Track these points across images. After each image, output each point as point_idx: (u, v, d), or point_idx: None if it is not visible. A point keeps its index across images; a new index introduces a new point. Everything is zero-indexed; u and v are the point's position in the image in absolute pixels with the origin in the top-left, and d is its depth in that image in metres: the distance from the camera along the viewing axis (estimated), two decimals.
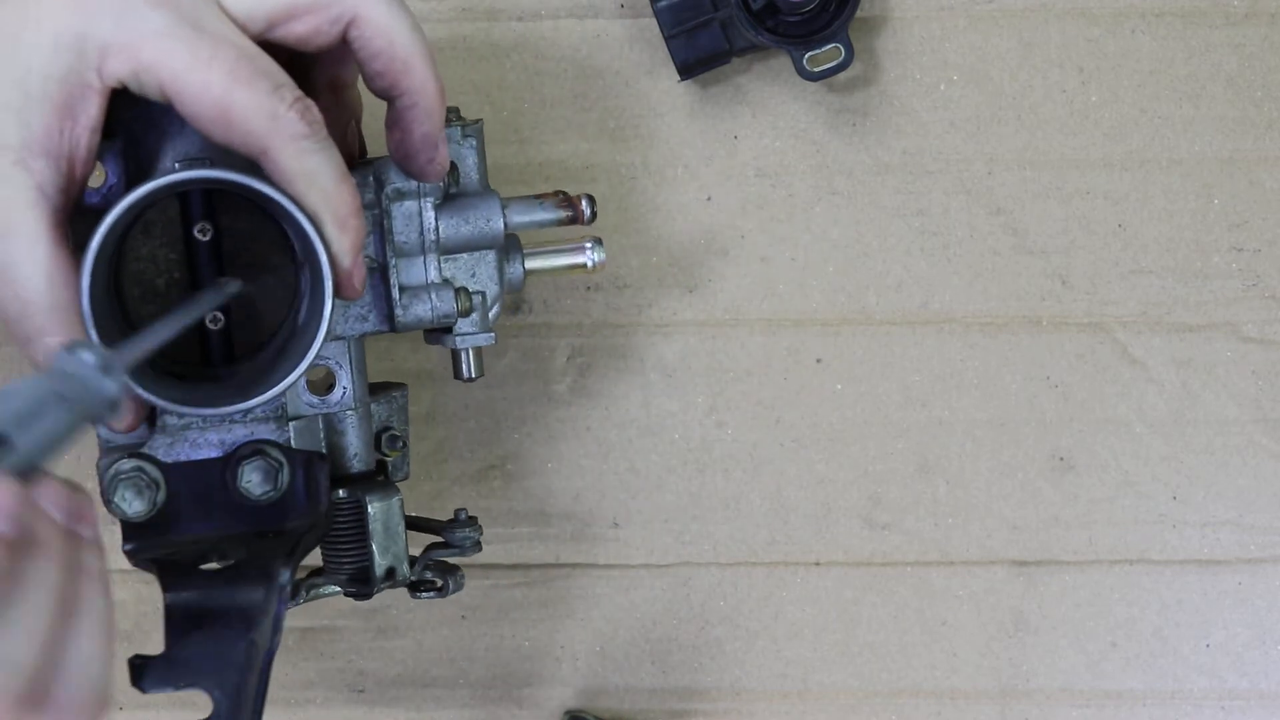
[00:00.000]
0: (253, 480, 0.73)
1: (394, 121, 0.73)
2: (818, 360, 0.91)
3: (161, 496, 0.73)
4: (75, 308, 0.67)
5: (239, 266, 0.74)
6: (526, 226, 0.79)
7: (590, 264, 0.81)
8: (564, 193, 0.80)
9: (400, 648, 0.93)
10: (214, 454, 0.73)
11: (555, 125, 0.90)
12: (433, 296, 0.76)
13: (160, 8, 0.66)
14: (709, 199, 0.90)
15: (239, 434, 0.73)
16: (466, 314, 0.77)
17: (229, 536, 0.74)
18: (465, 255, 0.78)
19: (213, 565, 0.74)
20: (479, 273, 0.78)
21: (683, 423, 0.92)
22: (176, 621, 0.73)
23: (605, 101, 0.90)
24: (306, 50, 0.72)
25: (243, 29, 0.69)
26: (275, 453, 0.73)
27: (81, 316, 0.67)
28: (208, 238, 0.73)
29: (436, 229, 0.76)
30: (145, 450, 0.73)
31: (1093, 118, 0.90)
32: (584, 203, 0.79)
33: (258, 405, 0.71)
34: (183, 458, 0.73)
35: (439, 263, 0.77)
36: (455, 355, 0.79)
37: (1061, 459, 0.91)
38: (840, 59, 0.86)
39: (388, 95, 0.72)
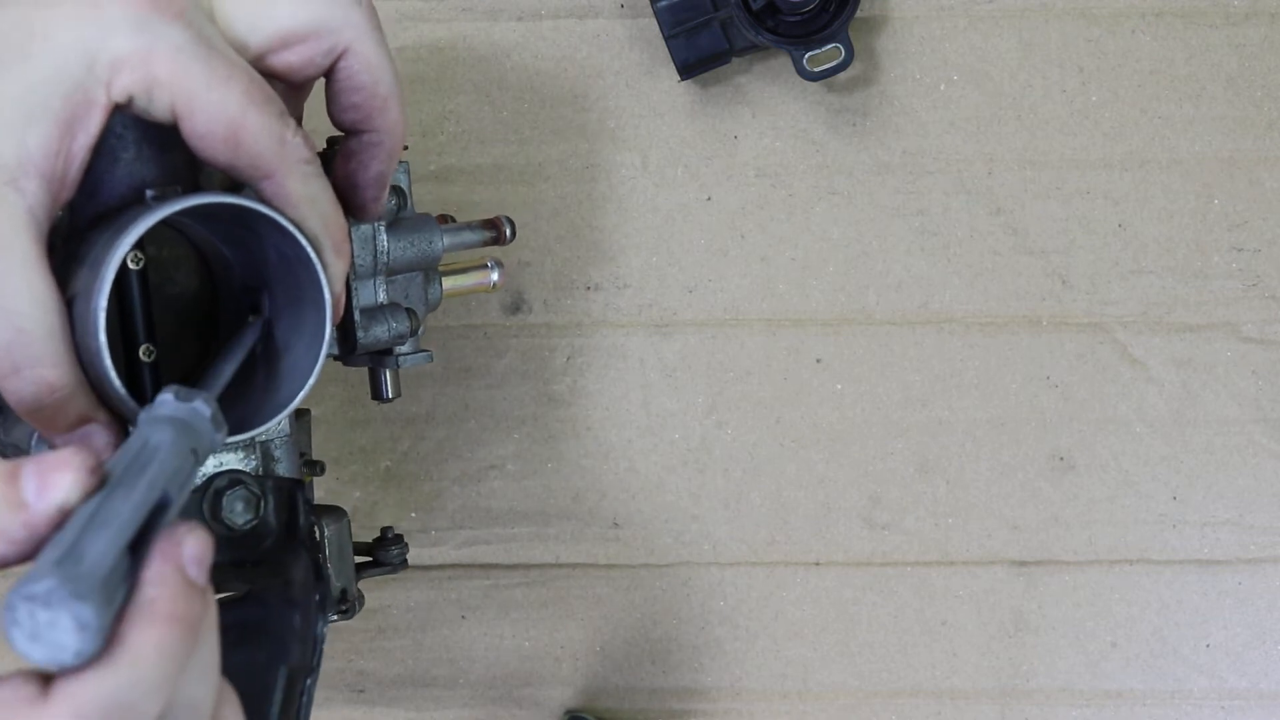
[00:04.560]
0: (236, 510, 0.72)
1: (351, 154, 0.72)
2: (818, 360, 0.91)
3: None
4: (67, 336, 0.65)
5: (162, 296, 0.72)
6: (456, 247, 0.81)
7: (492, 284, 0.83)
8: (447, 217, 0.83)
9: (400, 648, 0.93)
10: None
11: (555, 125, 0.90)
12: (388, 317, 0.77)
13: (178, 23, 0.65)
14: (709, 199, 0.91)
15: (207, 466, 0.72)
16: (415, 333, 0.78)
17: (218, 565, 0.71)
18: (400, 277, 0.79)
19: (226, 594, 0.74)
20: (410, 294, 0.79)
21: (683, 423, 0.92)
22: None
23: (605, 101, 0.90)
24: (291, 81, 0.71)
25: (240, 52, 0.68)
26: (252, 482, 0.73)
27: (73, 348, 0.65)
28: (139, 266, 0.70)
29: (388, 252, 0.77)
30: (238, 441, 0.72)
31: (1093, 118, 0.90)
32: (505, 224, 0.82)
33: (255, 435, 0.70)
34: None
35: (386, 285, 0.78)
36: (375, 375, 0.80)
37: (1061, 459, 0.91)
38: (840, 59, 0.86)
39: (355, 129, 0.72)
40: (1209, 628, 0.92)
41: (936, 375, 0.91)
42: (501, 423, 0.92)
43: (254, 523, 0.73)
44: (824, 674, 0.93)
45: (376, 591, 0.93)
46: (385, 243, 0.77)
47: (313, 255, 0.67)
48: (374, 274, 0.77)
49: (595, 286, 0.91)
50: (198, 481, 0.72)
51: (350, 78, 0.70)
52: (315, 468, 0.81)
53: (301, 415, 0.82)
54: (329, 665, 0.93)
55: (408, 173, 0.79)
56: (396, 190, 0.78)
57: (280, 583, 0.72)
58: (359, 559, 0.83)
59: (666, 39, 0.87)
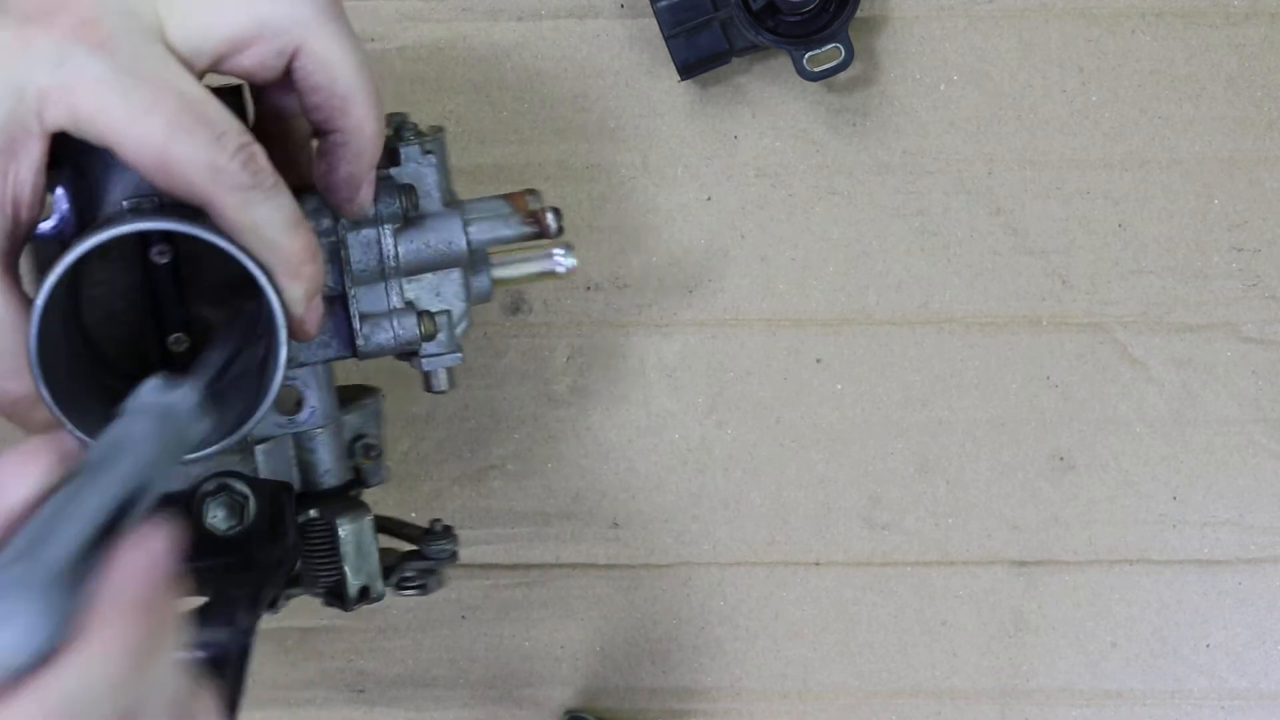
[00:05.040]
0: (218, 516, 0.72)
1: (322, 155, 0.71)
2: (818, 360, 0.91)
3: None
4: (25, 354, 0.65)
5: (199, 287, 0.72)
6: (490, 244, 0.77)
7: (561, 270, 0.78)
8: (531, 193, 0.78)
9: (400, 648, 0.93)
10: (178, 487, 0.72)
11: (555, 125, 0.90)
12: (394, 324, 0.75)
13: (98, 53, 0.64)
14: (709, 199, 0.91)
15: (203, 465, 0.71)
16: (430, 338, 0.75)
17: (197, 569, 0.71)
18: (429, 274, 0.76)
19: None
20: (444, 291, 0.76)
21: (683, 423, 0.92)
22: None
23: (605, 101, 0.90)
24: (254, 83, 0.70)
25: (190, 64, 0.66)
26: (240, 485, 0.72)
27: (29, 365, 0.64)
28: (166, 259, 0.71)
29: (396, 255, 0.74)
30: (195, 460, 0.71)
31: (1093, 118, 0.90)
32: (549, 216, 0.76)
33: (210, 455, 0.68)
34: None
35: (401, 287, 0.75)
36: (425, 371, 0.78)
37: (1061, 459, 0.91)
38: (840, 59, 0.86)
39: (322, 129, 0.70)
40: (1209, 628, 0.92)
41: (936, 375, 0.91)
42: (501, 423, 0.92)
43: (237, 528, 0.72)
44: (824, 674, 0.93)
45: None
46: (391, 246, 0.74)
47: (261, 280, 0.66)
48: (383, 278, 0.75)
49: (595, 286, 0.91)
50: (192, 477, 0.71)
51: (306, 78, 0.69)
52: (371, 452, 0.79)
53: (367, 396, 0.80)
54: (329, 665, 0.93)
55: (436, 165, 0.76)
56: (405, 189, 0.75)
57: (248, 593, 0.71)
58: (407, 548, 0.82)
59: (666, 39, 0.87)
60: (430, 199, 0.75)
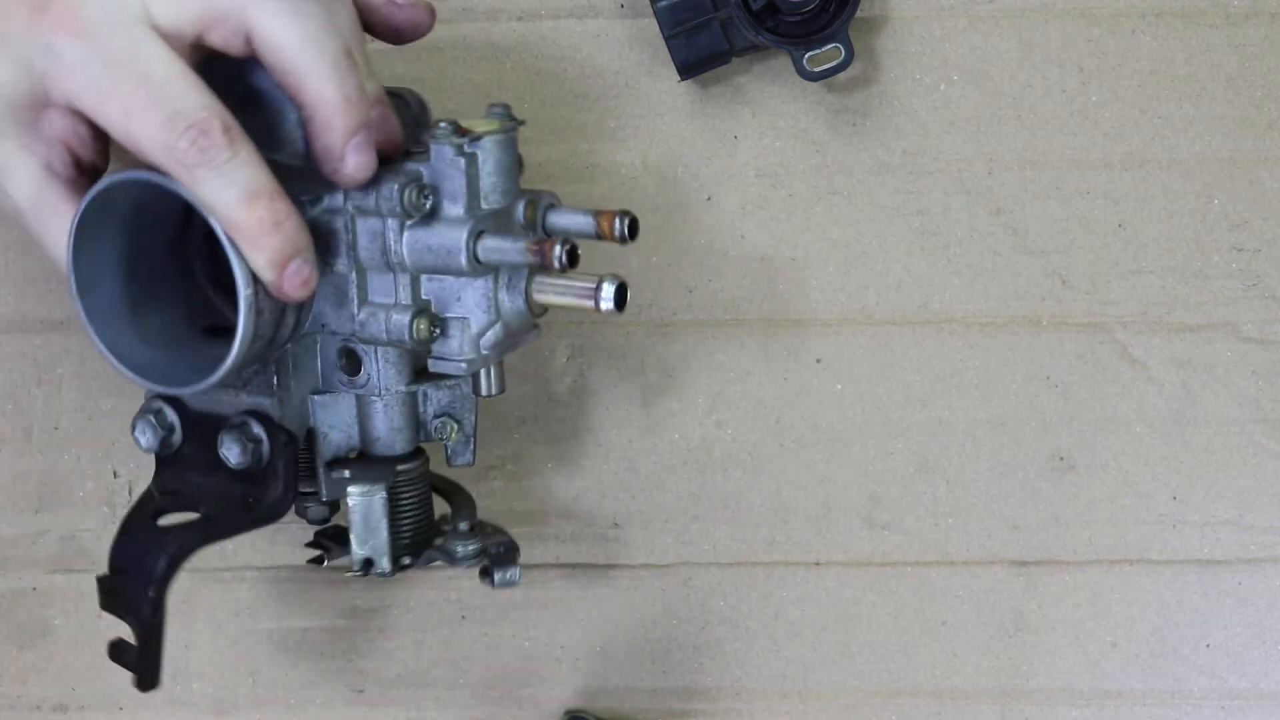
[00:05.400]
0: (232, 450, 0.75)
1: (302, 127, 0.74)
2: (818, 360, 0.91)
3: (177, 438, 0.77)
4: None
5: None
6: (497, 263, 0.75)
7: (603, 307, 0.73)
8: (624, 214, 0.75)
9: (400, 648, 0.93)
10: (227, 412, 0.76)
11: (555, 125, 0.90)
12: (388, 317, 0.75)
13: (76, 40, 0.70)
14: (709, 199, 0.91)
15: (243, 400, 0.76)
16: (425, 340, 0.75)
17: (219, 493, 0.76)
18: (451, 279, 0.75)
19: (173, 519, 0.76)
20: (465, 298, 0.75)
21: (683, 423, 0.92)
22: (113, 561, 0.76)
23: (605, 101, 0.90)
24: (247, 59, 0.73)
25: (177, 41, 0.71)
26: (257, 427, 0.75)
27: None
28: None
29: (400, 251, 0.74)
30: (178, 394, 0.76)
31: (1093, 118, 0.90)
32: (556, 250, 0.72)
33: (169, 391, 0.75)
34: (205, 409, 0.76)
35: (412, 282, 0.75)
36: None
37: (1061, 459, 0.91)
38: (840, 59, 0.86)
39: (294, 104, 0.73)
40: (1209, 628, 0.92)
41: (936, 375, 0.91)
42: (501, 423, 0.92)
43: (248, 465, 0.75)
44: (824, 674, 0.93)
45: (377, 591, 0.93)
46: (394, 241, 0.74)
47: (224, 241, 0.71)
48: (387, 270, 0.75)
49: None
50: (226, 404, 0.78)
51: (263, 57, 0.72)
52: (446, 428, 0.80)
53: (456, 376, 0.80)
54: (329, 665, 0.93)
55: (464, 169, 0.74)
56: (412, 185, 0.73)
57: (227, 525, 0.76)
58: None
59: (666, 39, 0.87)
60: (453, 202, 0.74)
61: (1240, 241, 0.90)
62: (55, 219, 0.74)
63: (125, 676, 0.74)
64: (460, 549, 0.81)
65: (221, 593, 0.93)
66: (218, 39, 0.71)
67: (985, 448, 0.92)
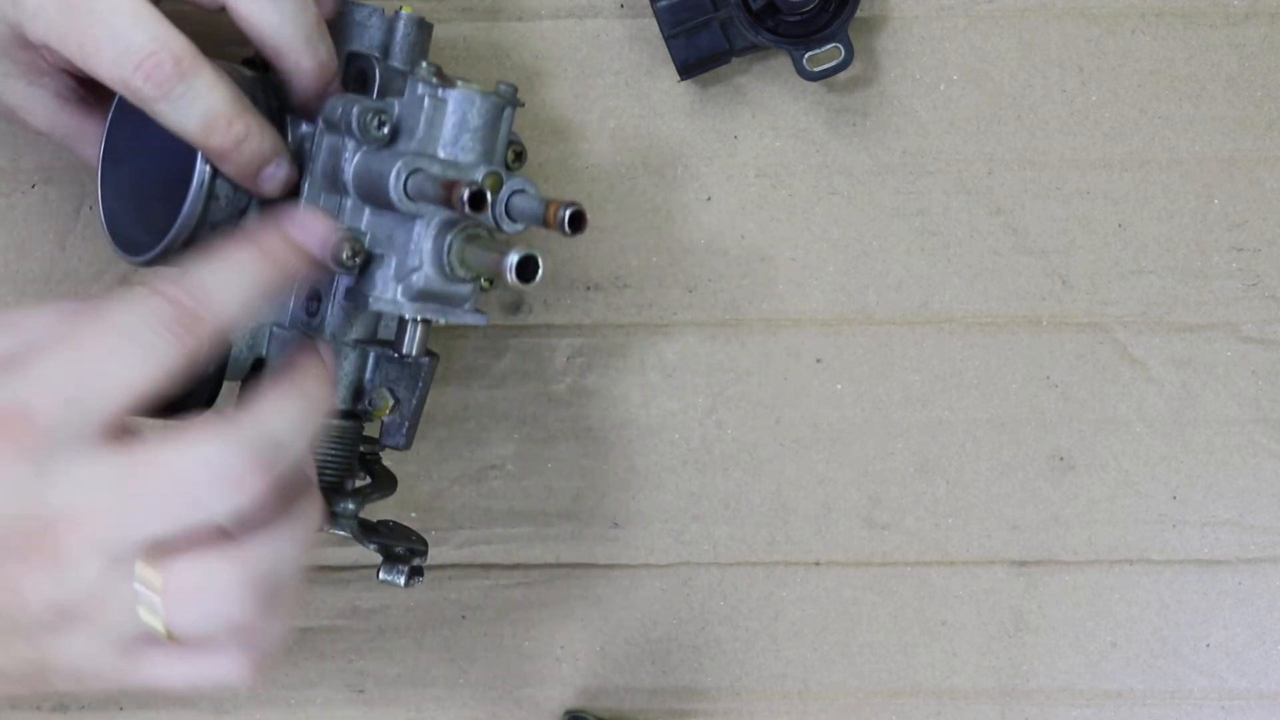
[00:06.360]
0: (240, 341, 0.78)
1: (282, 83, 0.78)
2: (818, 360, 0.91)
3: None
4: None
5: None
6: (419, 198, 0.74)
7: (508, 276, 0.70)
8: (572, 204, 0.73)
9: (400, 648, 0.93)
10: None
11: (555, 125, 0.90)
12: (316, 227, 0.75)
13: None
14: (709, 199, 0.90)
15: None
16: (346, 265, 0.74)
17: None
18: (390, 217, 0.75)
19: None
20: (396, 237, 0.75)
21: (683, 423, 0.92)
22: None
23: (605, 101, 0.90)
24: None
25: None
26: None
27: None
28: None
29: (348, 171, 0.76)
30: (134, 263, 0.78)
31: (1093, 118, 0.90)
32: (463, 192, 0.71)
33: (141, 261, 0.77)
34: None
35: (353, 209, 0.76)
36: (400, 323, 0.78)
37: (1061, 459, 0.91)
38: (840, 59, 0.86)
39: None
40: (1209, 628, 0.92)
41: (936, 375, 0.91)
42: (501, 423, 0.92)
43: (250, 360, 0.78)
44: (824, 674, 0.93)
45: (377, 591, 0.92)
46: (346, 162, 0.76)
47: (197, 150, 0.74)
48: (335, 191, 0.76)
49: (595, 286, 0.91)
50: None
51: (242, 29, 0.75)
52: (378, 401, 0.80)
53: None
54: (329, 665, 0.93)
55: (427, 109, 0.75)
56: (387, 117, 0.74)
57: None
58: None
59: (666, 39, 0.87)
60: (409, 139, 0.75)
61: (1240, 241, 0.90)
62: (78, 137, 0.79)
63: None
64: (341, 506, 0.79)
65: None
66: None
67: (985, 448, 0.91)
